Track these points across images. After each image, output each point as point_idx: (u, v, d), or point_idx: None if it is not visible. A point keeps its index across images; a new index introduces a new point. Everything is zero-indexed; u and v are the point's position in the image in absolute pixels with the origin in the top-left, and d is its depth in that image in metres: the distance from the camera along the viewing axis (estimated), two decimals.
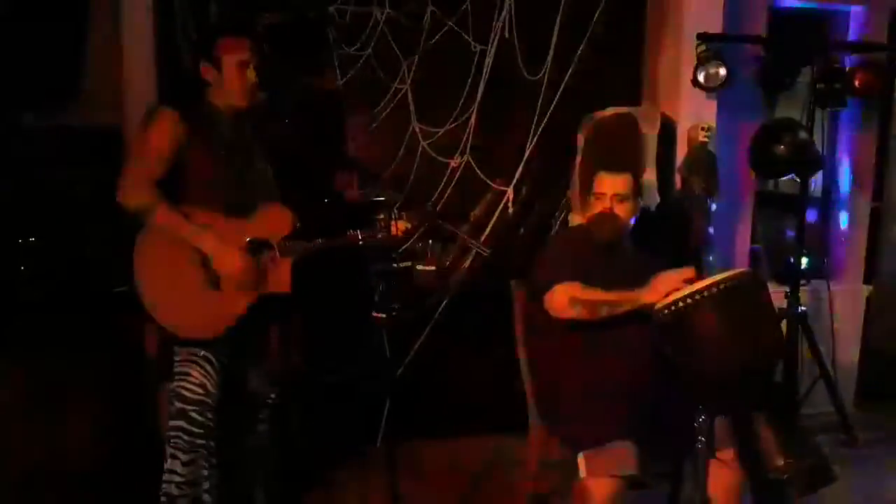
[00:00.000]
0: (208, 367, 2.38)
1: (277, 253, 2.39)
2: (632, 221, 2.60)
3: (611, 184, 2.55)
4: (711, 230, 3.57)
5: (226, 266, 2.33)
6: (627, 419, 2.27)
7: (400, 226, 2.39)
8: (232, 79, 2.35)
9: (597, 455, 2.25)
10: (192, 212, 2.33)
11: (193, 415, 2.37)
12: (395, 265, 2.30)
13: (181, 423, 2.37)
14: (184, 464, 2.37)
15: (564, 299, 2.36)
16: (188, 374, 2.37)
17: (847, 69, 3.78)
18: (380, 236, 2.37)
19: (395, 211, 2.33)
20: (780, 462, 2.54)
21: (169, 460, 2.38)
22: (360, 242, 2.40)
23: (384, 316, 2.25)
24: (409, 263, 2.34)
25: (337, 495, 3.10)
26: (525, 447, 2.67)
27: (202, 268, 2.34)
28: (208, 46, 2.36)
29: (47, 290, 2.78)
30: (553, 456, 2.53)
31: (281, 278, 2.40)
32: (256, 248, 2.38)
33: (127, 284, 2.32)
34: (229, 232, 2.35)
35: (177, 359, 2.39)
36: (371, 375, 2.81)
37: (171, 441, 2.38)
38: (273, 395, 2.58)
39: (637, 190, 2.60)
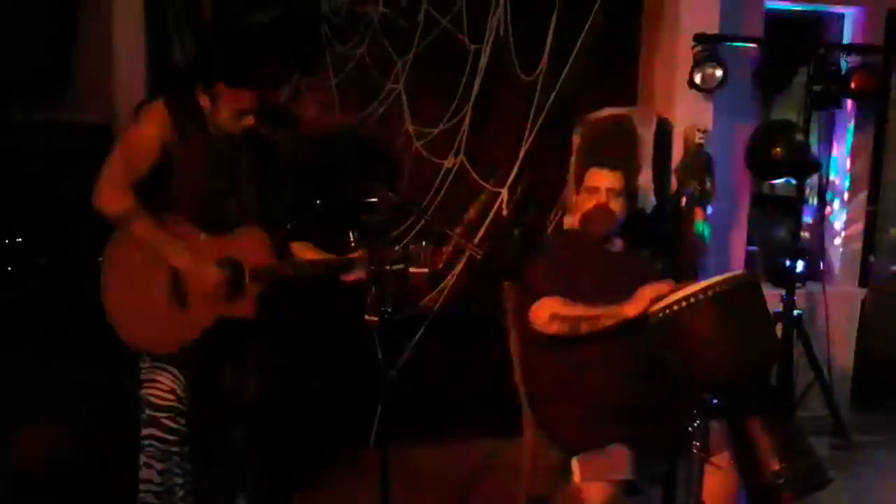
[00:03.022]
0: (176, 372, 2.32)
1: (247, 277, 2.31)
2: (622, 221, 2.60)
3: (604, 178, 2.55)
4: (707, 232, 3.56)
5: (202, 282, 2.27)
6: (622, 423, 2.26)
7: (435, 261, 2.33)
8: (225, 118, 2.25)
9: (591, 459, 2.23)
10: (171, 221, 2.27)
11: (165, 421, 2.31)
12: (386, 267, 2.26)
13: (153, 430, 2.32)
14: (159, 472, 2.33)
15: (545, 315, 2.35)
16: (156, 381, 2.32)
17: (843, 71, 3.77)
18: (416, 270, 2.31)
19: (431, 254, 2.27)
20: (775, 465, 2.52)
21: (143, 469, 2.34)
22: (353, 244, 2.34)
23: (376, 318, 2.21)
24: (401, 265, 2.29)
25: (328, 499, 3.07)
26: (519, 451, 2.65)
27: (169, 283, 2.28)
28: (209, 81, 2.23)
29: (31, 290, 2.74)
30: (547, 460, 2.51)
31: (246, 303, 2.32)
32: (227, 266, 2.31)
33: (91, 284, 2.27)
34: (204, 247, 2.29)
35: (143, 365, 2.34)
36: (363, 378, 2.79)
37: (145, 449, 2.33)
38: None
39: (628, 190, 2.60)
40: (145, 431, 2.33)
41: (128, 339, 2.30)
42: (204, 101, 2.26)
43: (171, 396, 2.31)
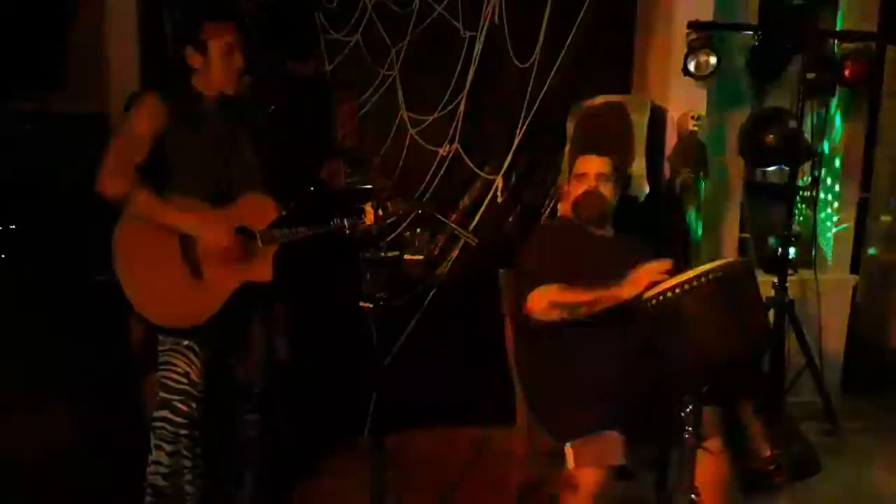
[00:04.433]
0: (192, 357, 2.35)
1: (259, 241, 2.36)
2: (613, 206, 2.61)
3: (593, 164, 2.57)
4: (700, 219, 3.57)
5: (212, 240, 2.29)
6: (614, 409, 2.26)
7: (388, 210, 2.36)
8: (218, 64, 2.31)
9: (583, 445, 2.25)
10: (173, 199, 2.30)
11: (178, 405, 2.34)
12: (382, 254, 2.27)
13: (165, 412, 2.35)
14: (168, 454, 2.35)
15: (544, 303, 2.36)
16: (172, 364, 2.35)
17: (837, 58, 3.78)
18: (366, 223, 2.34)
19: (382, 200, 2.30)
20: (767, 451, 2.55)
21: (154, 451, 2.36)
22: (347, 231, 2.38)
23: (371, 305, 2.22)
24: (396, 252, 2.31)
25: (324, 485, 3.08)
26: (513, 438, 2.66)
27: (183, 256, 2.30)
28: (193, 31, 2.31)
29: (27, 277, 2.74)
30: (541, 446, 2.52)
31: (263, 267, 2.37)
32: (239, 234, 2.35)
33: (107, 273, 2.27)
34: (212, 217, 2.32)
35: (161, 348, 2.36)
36: (358, 365, 2.79)
37: (156, 431, 2.36)
38: (258, 386, 2.56)
39: (616, 176, 2.61)
40: (157, 413, 2.36)
41: (153, 319, 2.31)
42: (194, 61, 2.32)
43: (185, 380, 2.34)
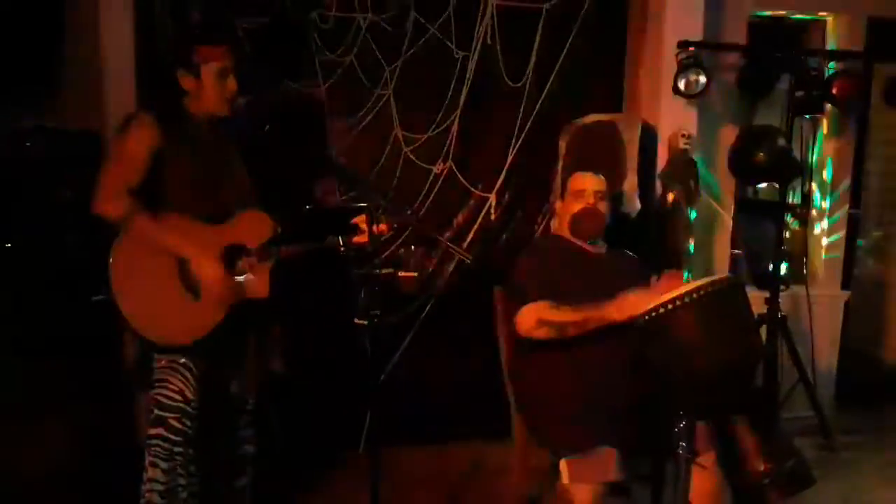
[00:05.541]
0: (187, 374, 2.35)
1: (256, 258, 2.38)
2: (607, 223, 2.64)
3: (590, 181, 2.60)
4: (692, 237, 3.60)
5: (206, 275, 2.30)
6: (609, 424, 2.28)
7: (381, 227, 2.38)
8: (211, 87, 2.32)
9: (579, 461, 2.26)
10: (169, 218, 2.31)
11: (172, 422, 2.34)
12: (376, 271, 2.29)
13: (160, 430, 2.35)
14: (164, 471, 2.35)
15: (532, 321, 2.38)
16: (167, 382, 2.35)
17: (825, 77, 3.83)
18: (360, 240, 2.36)
19: (376, 213, 2.32)
20: (760, 466, 2.56)
21: (149, 469, 2.36)
22: (341, 248, 2.39)
23: (366, 322, 2.24)
24: (391, 270, 2.32)
25: (319, 500, 3.08)
26: (508, 453, 2.67)
27: (179, 274, 2.31)
28: (186, 54, 2.32)
29: (23, 296, 2.74)
30: (536, 462, 2.53)
31: (259, 284, 2.38)
32: (233, 254, 2.36)
33: (104, 293, 2.29)
34: (207, 238, 2.33)
35: (156, 366, 2.36)
36: (354, 380, 2.80)
37: (151, 449, 2.35)
38: (252, 401, 2.56)
39: (612, 193, 2.64)
40: (152, 431, 2.36)
41: (150, 338, 2.31)
42: (188, 83, 2.33)
43: (179, 398, 2.34)
